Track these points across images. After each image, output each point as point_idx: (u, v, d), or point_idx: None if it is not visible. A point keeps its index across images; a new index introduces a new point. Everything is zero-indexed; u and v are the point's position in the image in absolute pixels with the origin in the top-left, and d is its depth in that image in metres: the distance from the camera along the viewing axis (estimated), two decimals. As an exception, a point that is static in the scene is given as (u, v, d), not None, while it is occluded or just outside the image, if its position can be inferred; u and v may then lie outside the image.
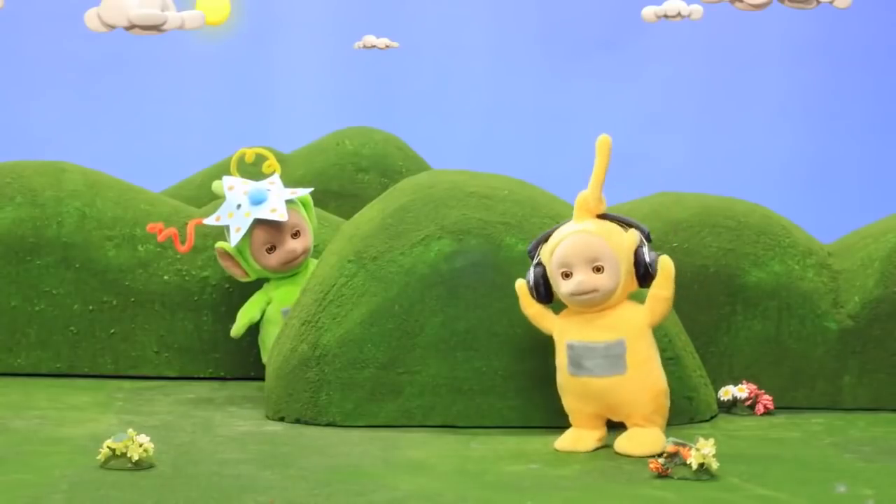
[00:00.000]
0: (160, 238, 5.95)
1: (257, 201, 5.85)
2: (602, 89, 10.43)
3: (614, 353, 4.73)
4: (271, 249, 5.88)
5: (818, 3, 7.33)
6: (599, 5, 10.42)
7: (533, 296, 4.87)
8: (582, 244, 4.73)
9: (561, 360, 4.83)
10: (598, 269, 4.72)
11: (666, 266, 4.75)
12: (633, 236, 4.77)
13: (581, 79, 10.47)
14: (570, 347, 4.79)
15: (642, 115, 10.28)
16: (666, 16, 8.35)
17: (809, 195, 9.77)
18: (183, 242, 5.95)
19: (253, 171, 6.23)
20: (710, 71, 10.43)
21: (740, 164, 10.10)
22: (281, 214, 5.82)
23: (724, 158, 10.17)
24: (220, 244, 5.89)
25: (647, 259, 4.75)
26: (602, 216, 4.83)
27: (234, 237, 5.82)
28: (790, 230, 5.84)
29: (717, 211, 5.82)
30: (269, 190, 5.91)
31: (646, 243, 4.78)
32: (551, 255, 4.79)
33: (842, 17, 8.47)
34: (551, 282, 4.81)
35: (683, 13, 8.32)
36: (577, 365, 4.77)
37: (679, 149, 10.20)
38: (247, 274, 5.95)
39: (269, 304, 5.94)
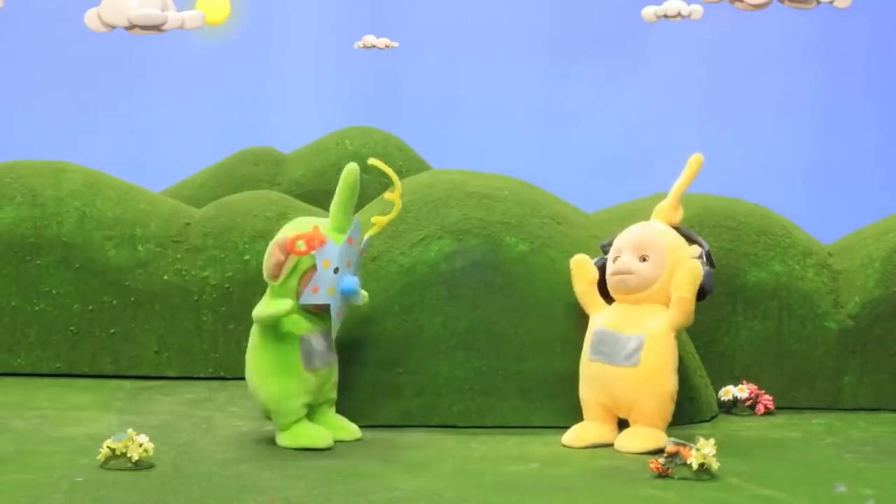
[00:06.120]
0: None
1: (347, 290, 4.90)
2: (602, 89, 10.43)
3: (632, 346, 4.82)
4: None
5: (818, 3, 7.33)
6: (599, 5, 10.41)
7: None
8: (637, 233, 5.01)
9: (585, 345, 4.96)
10: (643, 259, 4.91)
11: (694, 269, 4.85)
12: (693, 249, 4.98)
13: (581, 79, 10.46)
14: (595, 332, 4.92)
15: (642, 115, 10.28)
16: (666, 16, 8.36)
17: (810, 195, 9.77)
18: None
19: (255, 171, 6.19)
20: (710, 71, 10.42)
21: (741, 165, 10.09)
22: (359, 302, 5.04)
23: (724, 158, 10.16)
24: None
25: None
26: (675, 228, 5.05)
27: (317, 297, 4.90)
28: (790, 230, 5.84)
29: (718, 211, 5.82)
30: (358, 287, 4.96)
31: (704, 260, 4.95)
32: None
33: (842, 17, 8.48)
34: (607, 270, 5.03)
35: (683, 13, 8.33)
36: (596, 350, 4.89)
37: (679, 149, 10.17)
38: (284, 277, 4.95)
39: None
